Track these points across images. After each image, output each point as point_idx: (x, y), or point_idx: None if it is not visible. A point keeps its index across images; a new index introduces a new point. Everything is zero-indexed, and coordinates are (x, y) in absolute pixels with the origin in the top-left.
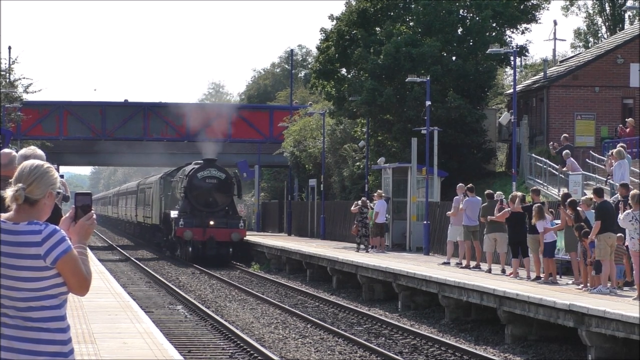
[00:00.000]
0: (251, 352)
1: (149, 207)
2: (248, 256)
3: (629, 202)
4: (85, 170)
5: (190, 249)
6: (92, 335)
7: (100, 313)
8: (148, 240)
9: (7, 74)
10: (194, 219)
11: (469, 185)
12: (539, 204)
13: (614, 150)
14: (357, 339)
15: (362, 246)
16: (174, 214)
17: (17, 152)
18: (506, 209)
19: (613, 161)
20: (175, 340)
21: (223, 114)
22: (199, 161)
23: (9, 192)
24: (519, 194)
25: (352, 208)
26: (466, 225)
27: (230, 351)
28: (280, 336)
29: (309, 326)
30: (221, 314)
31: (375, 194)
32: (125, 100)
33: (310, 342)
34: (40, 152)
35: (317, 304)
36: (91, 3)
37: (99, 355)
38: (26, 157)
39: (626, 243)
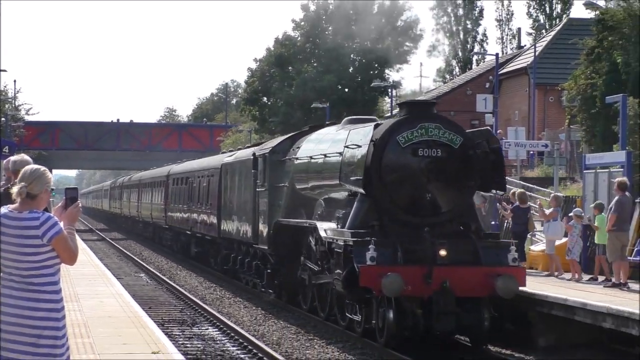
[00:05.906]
0: (195, 307)
1: (206, 209)
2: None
3: (510, 199)
4: (72, 173)
5: (390, 314)
6: (76, 295)
7: (83, 279)
8: (199, 258)
9: (13, 101)
10: (401, 246)
11: None
12: None
13: None
14: (277, 300)
15: None
16: (329, 228)
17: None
18: None
19: None
20: (139, 299)
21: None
22: (387, 116)
23: (14, 189)
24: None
25: None
26: None
27: (180, 307)
28: (218, 296)
29: (239, 290)
30: (174, 280)
31: None
32: (117, 120)
33: (240, 301)
34: (27, 157)
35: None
36: (76, 35)
37: (82, 310)
38: (16, 162)
39: None
